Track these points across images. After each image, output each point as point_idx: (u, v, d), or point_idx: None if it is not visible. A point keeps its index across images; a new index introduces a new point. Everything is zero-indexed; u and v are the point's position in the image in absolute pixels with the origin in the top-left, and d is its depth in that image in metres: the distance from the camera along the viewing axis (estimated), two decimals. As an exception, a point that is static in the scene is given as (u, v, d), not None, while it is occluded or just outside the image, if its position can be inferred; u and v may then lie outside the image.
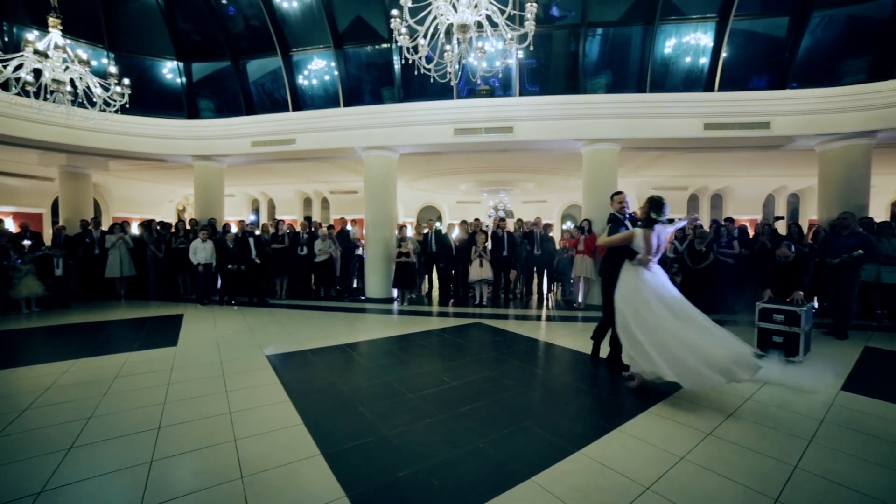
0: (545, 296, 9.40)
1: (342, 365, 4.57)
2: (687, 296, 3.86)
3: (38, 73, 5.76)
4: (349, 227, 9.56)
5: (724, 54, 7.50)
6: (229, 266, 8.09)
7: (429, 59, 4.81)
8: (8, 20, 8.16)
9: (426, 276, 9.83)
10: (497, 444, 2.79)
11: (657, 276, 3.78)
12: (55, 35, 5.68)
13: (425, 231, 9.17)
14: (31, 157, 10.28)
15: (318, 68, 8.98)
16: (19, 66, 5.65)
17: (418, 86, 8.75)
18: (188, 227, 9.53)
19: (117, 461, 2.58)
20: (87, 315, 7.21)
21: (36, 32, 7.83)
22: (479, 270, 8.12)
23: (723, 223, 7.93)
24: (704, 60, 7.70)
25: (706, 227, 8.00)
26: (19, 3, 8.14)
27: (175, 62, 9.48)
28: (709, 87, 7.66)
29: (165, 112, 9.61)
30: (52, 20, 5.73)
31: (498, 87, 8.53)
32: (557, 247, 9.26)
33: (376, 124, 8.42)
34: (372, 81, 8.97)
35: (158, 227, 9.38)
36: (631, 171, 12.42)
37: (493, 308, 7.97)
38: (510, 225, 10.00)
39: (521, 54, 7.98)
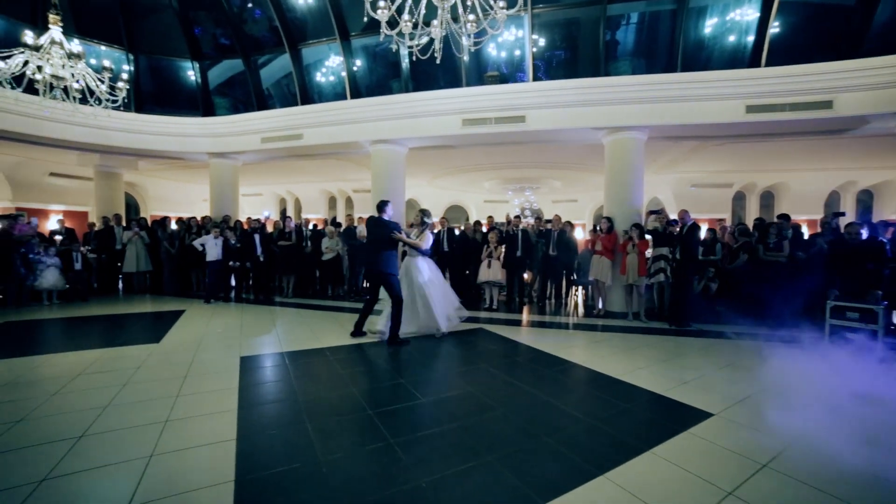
0: (563, 300, 8.66)
1: (314, 371, 4.17)
2: (725, 300, 3.25)
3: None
4: (356, 224, 9.25)
5: (772, 23, 6.47)
6: (230, 263, 7.98)
7: (412, 37, 4.34)
8: (13, 19, 8.30)
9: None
10: (445, 484, 2.26)
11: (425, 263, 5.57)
12: (55, 31, 5.71)
13: (437, 229, 8.69)
14: (70, 157, 10.78)
15: (325, 62, 8.77)
16: (25, 64, 5.73)
17: (426, 76, 8.33)
18: (201, 223, 9.59)
19: (4, 481, 2.27)
20: (96, 309, 7.28)
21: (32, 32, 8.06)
22: (487, 271, 7.55)
23: (776, 220, 6.87)
24: (747, 32, 6.71)
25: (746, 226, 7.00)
26: (24, 2, 8.24)
27: (190, 61, 9.58)
28: (753, 63, 6.63)
29: (183, 111, 9.76)
30: (52, 17, 5.76)
31: (508, 72, 7.93)
32: (581, 247, 8.52)
33: (383, 116, 8.05)
34: (378, 73, 8.64)
35: (174, 224, 9.51)
36: (666, 166, 11.36)
37: (503, 313, 7.37)
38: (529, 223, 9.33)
39: (533, 38, 7.36)
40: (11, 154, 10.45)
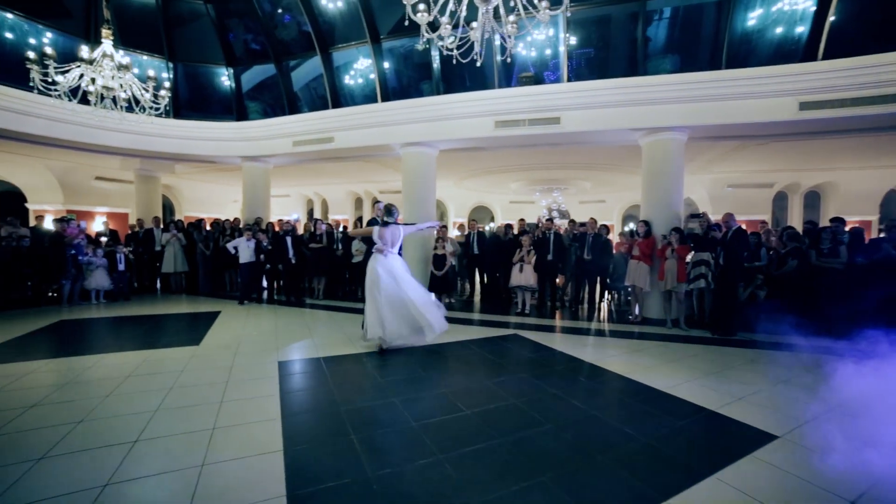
0: (597, 306, 8.44)
1: (353, 378, 4.17)
2: (774, 309, 3.07)
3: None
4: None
5: (831, 12, 6.05)
6: (266, 265, 8.12)
7: (451, 39, 4.26)
8: (71, 35, 8.74)
9: (468, 280, 9.28)
10: (500, 505, 2.18)
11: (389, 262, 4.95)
12: (107, 45, 5.92)
13: (468, 231, 8.64)
14: (114, 162, 11.24)
15: (356, 65, 8.82)
16: (80, 77, 5.96)
17: (457, 78, 8.27)
18: (233, 225, 9.82)
19: (72, 480, 2.33)
20: (138, 309, 7.53)
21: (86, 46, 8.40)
22: (520, 276, 7.41)
23: (829, 223, 6.45)
24: (801, 23, 6.32)
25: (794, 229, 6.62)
26: (79, 19, 8.70)
27: (225, 67, 9.81)
28: (808, 57, 6.23)
29: (217, 116, 10.01)
30: (104, 31, 5.98)
31: (542, 72, 7.77)
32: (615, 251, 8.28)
33: (414, 119, 8.02)
34: (411, 75, 8.62)
35: (208, 227, 9.77)
36: (702, 167, 10.93)
37: (536, 318, 7.23)
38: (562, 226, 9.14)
39: (568, 38, 7.17)
40: (63, 160, 11.03)
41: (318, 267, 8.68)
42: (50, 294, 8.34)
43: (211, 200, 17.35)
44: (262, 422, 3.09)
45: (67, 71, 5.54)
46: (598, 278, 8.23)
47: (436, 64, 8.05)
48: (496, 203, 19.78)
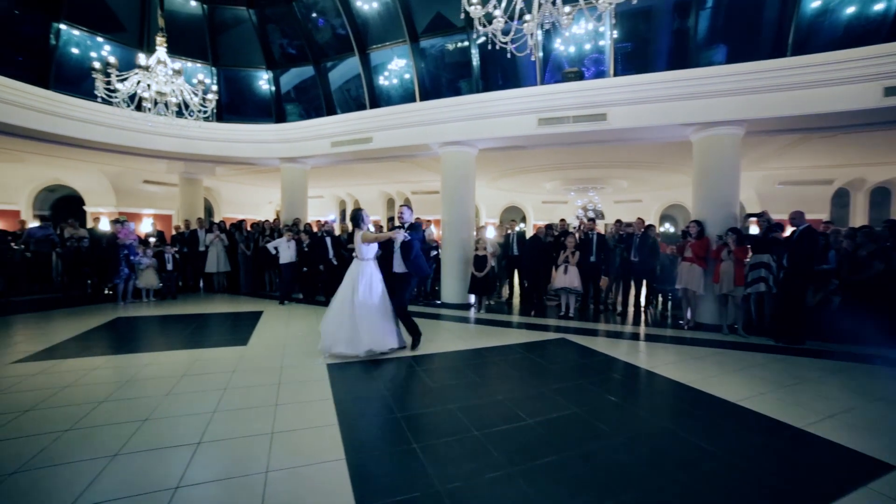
0: (643, 310, 8.08)
1: (404, 382, 4.08)
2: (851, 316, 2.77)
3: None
4: (424, 227, 9.19)
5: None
6: (304, 269, 8.21)
7: (505, 32, 4.12)
8: (127, 47, 9.18)
9: (507, 282, 9.09)
10: (586, 528, 2.01)
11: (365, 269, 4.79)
12: (161, 52, 6.12)
13: (508, 232, 8.46)
14: (160, 166, 11.69)
15: (394, 64, 8.79)
16: (136, 83, 6.17)
17: (497, 75, 8.10)
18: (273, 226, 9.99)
19: (145, 481, 2.32)
20: (186, 308, 7.74)
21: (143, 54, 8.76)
22: (564, 278, 7.16)
23: None
24: (882, 1, 5.77)
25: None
26: (133, 32, 9.13)
27: (265, 71, 10.01)
28: (894, 37, 5.66)
29: (257, 118, 10.23)
30: (159, 39, 6.18)
31: (587, 68, 7.50)
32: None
33: (453, 118, 7.90)
34: (449, 74, 8.52)
35: (249, 228, 9.98)
36: (752, 163, 10.31)
37: (580, 321, 6.98)
38: (600, 227, 8.83)
39: (615, 31, 6.88)
40: (117, 165, 11.62)
41: (356, 268, 8.66)
42: (106, 292, 8.75)
43: (248, 202, 17.85)
44: (320, 427, 3.03)
45: (126, 79, 5.74)
46: (645, 281, 7.89)
47: (475, 61, 7.90)
48: (528, 203, 19.45)
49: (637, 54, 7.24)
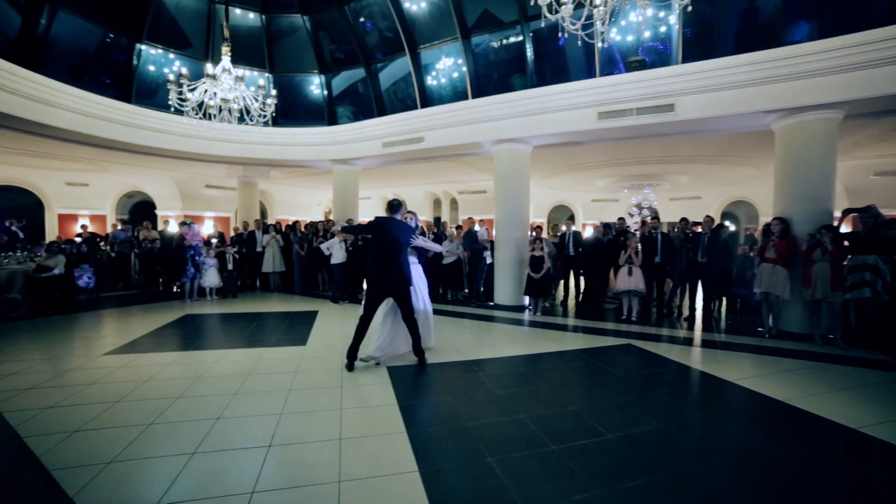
0: (712, 315, 7.46)
1: (467, 388, 3.92)
2: None
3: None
4: (477, 227, 9.02)
5: None
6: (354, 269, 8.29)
7: (576, 18, 3.86)
8: (194, 59, 9.78)
9: (561, 283, 8.73)
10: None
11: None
12: (226, 60, 6.37)
13: (563, 231, 8.11)
14: (220, 171, 12.35)
15: (445, 62, 8.69)
16: (204, 92, 6.47)
17: (553, 69, 7.78)
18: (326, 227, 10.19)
19: (223, 483, 2.31)
20: (245, 306, 8.05)
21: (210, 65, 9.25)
22: (628, 279, 6.73)
23: None
24: None
25: None
26: (198, 47, 9.76)
27: (318, 75, 10.26)
28: None
29: (310, 122, 10.51)
30: (224, 48, 6.44)
31: (651, 55, 7.01)
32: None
33: (507, 115, 7.67)
34: (501, 70, 8.29)
35: (303, 229, 10.25)
36: (843, 152, 9.22)
37: (643, 326, 6.53)
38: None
39: (683, 14, 6.35)
40: (183, 171, 12.43)
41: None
42: (174, 289, 9.31)
43: (298, 204, 18.51)
44: (388, 435, 2.93)
45: (195, 88, 6.03)
46: (714, 284, 7.26)
47: (529, 55, 7.63)
48: (577, 202, 18.75)
49: (707, 38, 6.68)
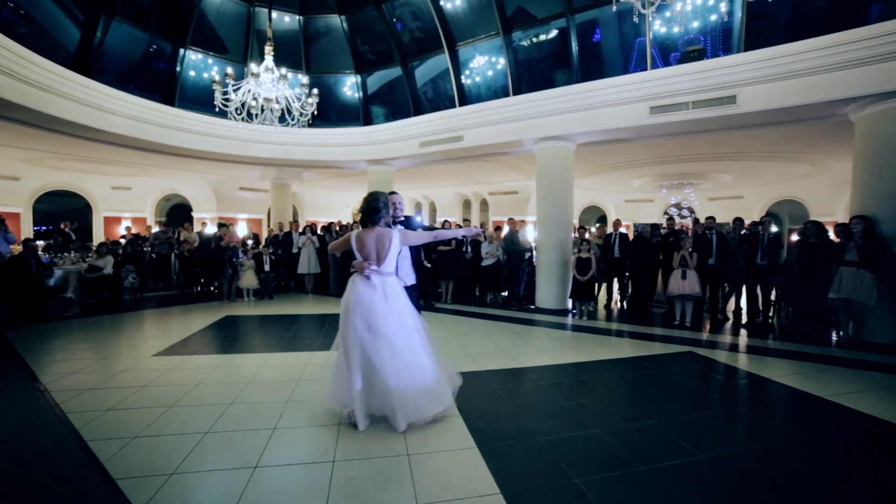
0: (772, 320, 6.96)
1: (530, 398, 3.68)
2: None
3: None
4: (517, 229, 8.74)
5: None
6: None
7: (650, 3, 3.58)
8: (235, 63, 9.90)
9: (603, 286, 8.36)
10: None
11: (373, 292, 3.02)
12: (269, 60, 6.34)
13: (609, 232, 7.76)
14: (254, 173, 12.50)
15: (484, 59, 8.48)
16: (247, 92, 6.47)
17: (599, 63, 7.44)
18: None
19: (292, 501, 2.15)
20: (282, 307, 8.02)
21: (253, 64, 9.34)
22: (682, 283, 6.33)
23: None
24: None
25: None
26: (235, 51, 9.94)
27: (354, 76, 10.22)
28: None
29: (346, 122, 10.49)
30: (267, 47, 6.42)
31: (709, 44, 6.61)
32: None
33: (550, 111, 7.38)
34: (544, 65, 8.01)
35: (338, 229, 10.20)
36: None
37: (699, 332, 6.13)
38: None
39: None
40: (218, 174, 12.64)
41: (447, 270, 8.46)
42: (213, 290, 9.41)
43: (328, 205, 18.64)
44: (459, 450, 2.71)
45: (238, 88, 6.03)
46: (775, 287, 6.78)
47: (574, 49, 7.33)
48: (610, 202, 18.17)
49: (774, 22, 6.23)
